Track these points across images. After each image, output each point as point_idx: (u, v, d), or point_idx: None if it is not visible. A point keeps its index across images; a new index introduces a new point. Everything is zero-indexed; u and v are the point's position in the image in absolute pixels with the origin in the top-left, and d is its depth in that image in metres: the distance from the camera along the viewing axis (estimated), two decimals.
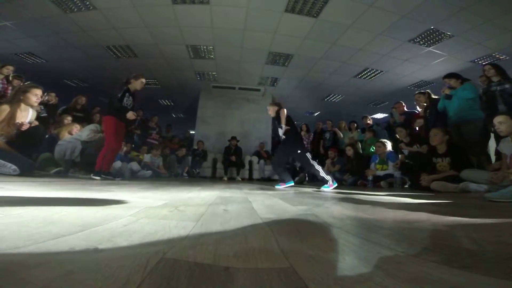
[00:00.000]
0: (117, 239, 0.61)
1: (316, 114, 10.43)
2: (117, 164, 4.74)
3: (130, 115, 3.59)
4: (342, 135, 6.39)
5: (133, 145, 6.05)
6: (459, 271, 0.44)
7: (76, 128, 4.23)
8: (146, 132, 6.79)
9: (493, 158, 3.42)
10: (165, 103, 9.97)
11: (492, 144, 3.43)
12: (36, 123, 3.24)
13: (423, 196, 2.14)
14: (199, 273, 0.43)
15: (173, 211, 1.07)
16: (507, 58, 5.05)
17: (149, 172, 5.29)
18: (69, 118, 4.61)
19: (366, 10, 4.22)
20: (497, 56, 5.23)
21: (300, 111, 10.32)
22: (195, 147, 7.66)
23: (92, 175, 3.43)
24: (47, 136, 4.24)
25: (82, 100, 5.27)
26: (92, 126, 4.11)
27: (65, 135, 4.10)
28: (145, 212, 1.02)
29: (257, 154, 7.45)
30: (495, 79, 3.28)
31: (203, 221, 0.89)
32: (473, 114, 3.33)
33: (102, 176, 3.47)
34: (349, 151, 5.04)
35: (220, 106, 8.55)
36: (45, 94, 4.26)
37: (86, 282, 0.38)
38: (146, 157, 5.74)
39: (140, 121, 6.73)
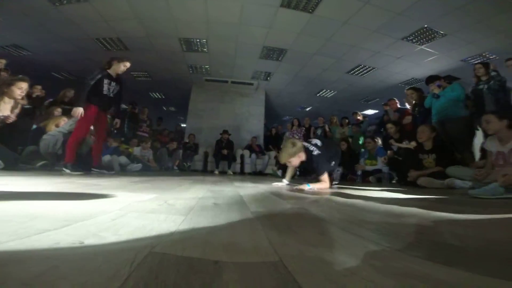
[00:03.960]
0: (104, 233, 0.60)
1: (308, 109, 10.47)
2: (106, 157, 4.65)
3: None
4: (330, 133, 6.47)
5: (122, 138, 5.94)
6: (443, 267, 0.45)
7: (63, 121, 4.11)
8: (136, 124, 6.67)
9: (478, 155, 3.51)
10: (156, 96, 9.81)
11: (477, 141, 3.51)
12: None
13: (410, 192, 2.20)
14: (188, 267, 0.43)
15: (162, 205, 1.06)
16: (497, 57, 5.13)
17: (138, 166, 5.22)
18: (59, 110, 4.49)
19: (361, 7, 4.23)
20: (487, 55, 5.34)
21: (293, 106, 10.34)
22: (186, 140, 7.60)
23: (65, 169, 3.15)
24: (32, 128, 4.13)
25: (70, 93, 5.14)
26: (75, 118, 3.99)
27: (52, 128, 3.99)
28: (134, 206, 1.01)
29: (249, 148, 7.45)
30: (484, 78, 3.35)
31: (193, 215, 0.89)
32: (456, 112, 3.38)
33: (94, 170, 3.40)
34: (343, 146, 5.11)
35: (213, 99, 8.48)
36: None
37: (70, 277, 0.37)
38: (136, 150, 5.64)
39: (130, 113, 6.60)
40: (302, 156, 2.46)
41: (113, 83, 3.46)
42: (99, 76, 3.32)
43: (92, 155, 3.58)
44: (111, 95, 3.48)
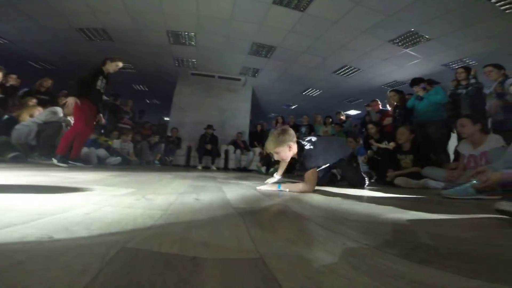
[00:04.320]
0: (76, 228, 0.57)
1: (294, 107, 10.55)
2: (83, 149, 4.49)
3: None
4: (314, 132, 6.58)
5: (102, 130, 5.73)
6: (417, 266, 0.46)
7: (38, 111, 3.92)
8: (117, 116, 6.44)
9: (452, 157, 3.69)
10: (140, 88, 9.52)
11: (452, 144, 3.69)
12: None
13: (388, 191, 2.27)
14: (164, 263, 0.42)
15: (140, 200, 1.02)
16: (476, 63, 5.35)
17: (118, 159, 5.04)
18: (34, 101, 4.32)
19: (353, 8, 4.27)
20: (467, 61, 5.58)
21: (279, 103, 10.38)
22: (169, 134, 7.44)
23: (54, 159, 3.18)
24: (4, 118, 3.91)
25: (48, 82, 4.95)
26: (52, 109, 3.81)
27: (26, 118, 3.79)
28: (110, 200, 0.97)
29: (234, 143, 7.41)
30: (463, 82, 3.51)
31: (172, 210, 0.87)
32: (437, 115, 3.56)
33: (70, 163, 3.26)
34: None
35: (198, 93, 8.34)
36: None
37: (37, 273, 0.35)
38: (116, 143, 5.45)
39: (112, 105, 6.36)
40: (293, 148, 2.02)
41: (104, 80, 3.60)
42: (95, 72, 3.47)
43: (73, 147, 3.46)
44: (102, 90, 3.61)
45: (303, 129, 6.71)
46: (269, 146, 2.02)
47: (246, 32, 5.38)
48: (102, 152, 4.83)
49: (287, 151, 2.02)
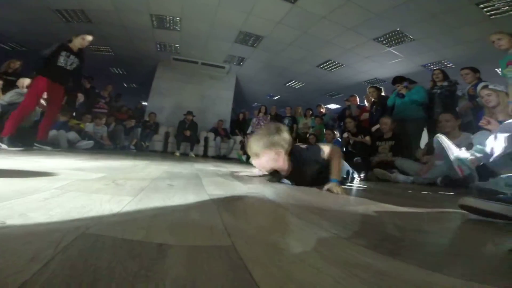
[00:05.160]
0: (33, 213, 0.52)
1: (276, 98, 10.58)
2: (52, 132, 4.21)
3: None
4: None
5: (74, 113, 5.39)
6: (384, 257, 0.48)
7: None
8: (93, 100, 6.08)
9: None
10: (117, 72, 9.08)
11: (423, 140, 3.89)
12: None
13: (361, 183, 2.36)
14: (126, 250, 0.39)
15: (109, 185, 0.97)
16: (453, 66, 5.62)
17: (90, 143, 4.78)
18: (0, 82, 4.02)
19: (343, 4, 4.27)
20: (445, 63, 5.83)
21: (262, 93, 10.35)
22: (147, 118, 7.17)
23: (1, 144, 2.80)
24: None
25: (16, 64, 4.62)
26: (18, 90, 3.53)
27: None
28: (76, 185, 0.91)
29: (215, 130, 7.31)
30: (439, 83, 3.68)
31: (143, 196, 0.83)
32: (415, 113, 3.73)
33: (36, 146, 3.04)
34: (312, 139, 5.39)
35: (179, 79, 8.08)
36: None
37: None
38: (88, 127, 5.16)
39: (87, 89, 5.96)
40: (281, 159, 1.54)
41: (72, 56, 3.28)
42: (55, 47, 3.16)
43: (39, 127, 3.23)
44: (69, 67, 3.27)
45: (286, 121, 6.76)
46: (256, 144, 1.54)
47: (234, 20, 5.24)
48: (72, 135, 4.56)
49: (272, 159, 1.53)
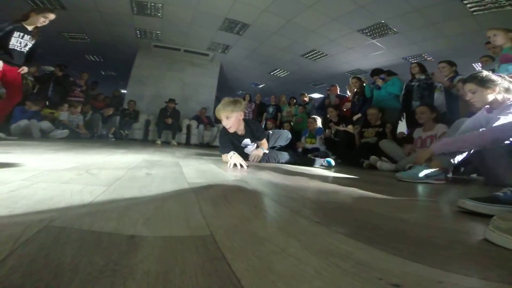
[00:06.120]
0: None
1: (261, 86, 10.50)
2: (23, 122, 3.94)
3: None
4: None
5: (47, 102, 5.06)
6: (363, 245, 0.48)
7: None
8: (68, 88, 5.70)
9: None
10: (93, 59, 8.58)
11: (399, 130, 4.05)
12: None
13: (344, 171, 2.40)
14: (94, 243, 0.37)
15: (82, 175, 0.92)
16: (433, 60, 5.76)
17: (65, 132, 4.51)
18: None
19: None
20: (425, 56, 5.97)
21: (246, 81, 10.23)
22: (126, 107, 6.89)
23: None
24: None
25: None
26: None
27: None
28: (45, 175, 0.85)
29: (197, 118, 7.15)
30: (417, 76, 3.79)
31: (117, 186, 0.79)
32: (391, 104, 3.91)
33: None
34: (287, 127, 5.42)
35: (160, 66, 7.79)
36: None
37: None
38: (63, 115, 4.86)
39: (57, 77, 5.57)
40: (241, 119, 2.21)
41: (26, 37, 2.98)
42: (8, 28, 2.84)
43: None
44: (23, 49, 2.99)
45: (271, 109, 6.73)
46: (226, 108, 2.06)
47: (220, 7, 5.05)
48: (46, 124, 4.29)
49: (239, 118, 2.16)
